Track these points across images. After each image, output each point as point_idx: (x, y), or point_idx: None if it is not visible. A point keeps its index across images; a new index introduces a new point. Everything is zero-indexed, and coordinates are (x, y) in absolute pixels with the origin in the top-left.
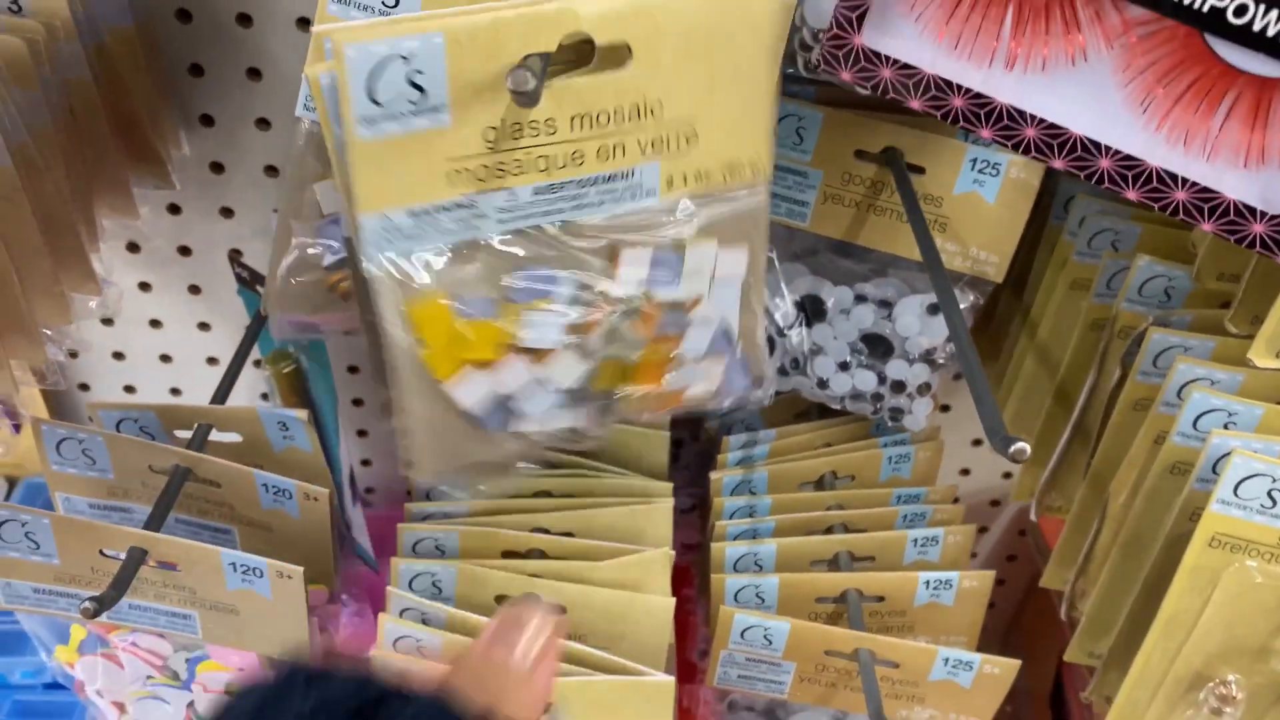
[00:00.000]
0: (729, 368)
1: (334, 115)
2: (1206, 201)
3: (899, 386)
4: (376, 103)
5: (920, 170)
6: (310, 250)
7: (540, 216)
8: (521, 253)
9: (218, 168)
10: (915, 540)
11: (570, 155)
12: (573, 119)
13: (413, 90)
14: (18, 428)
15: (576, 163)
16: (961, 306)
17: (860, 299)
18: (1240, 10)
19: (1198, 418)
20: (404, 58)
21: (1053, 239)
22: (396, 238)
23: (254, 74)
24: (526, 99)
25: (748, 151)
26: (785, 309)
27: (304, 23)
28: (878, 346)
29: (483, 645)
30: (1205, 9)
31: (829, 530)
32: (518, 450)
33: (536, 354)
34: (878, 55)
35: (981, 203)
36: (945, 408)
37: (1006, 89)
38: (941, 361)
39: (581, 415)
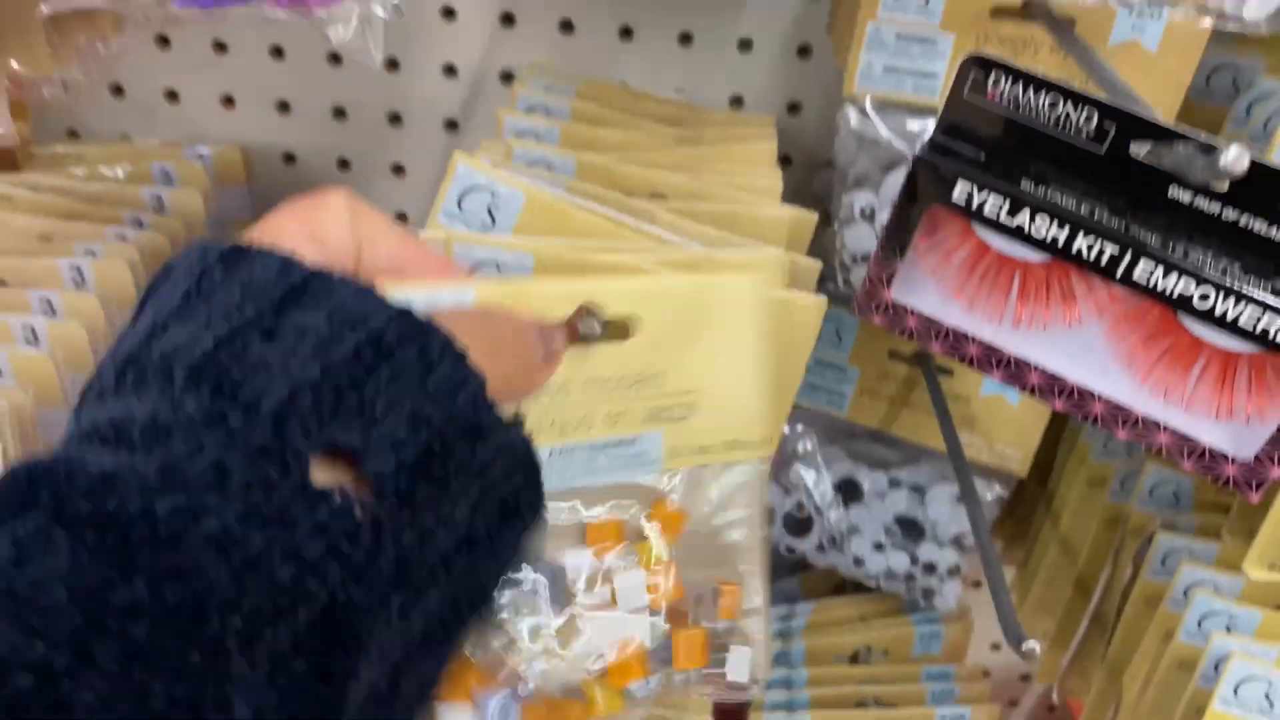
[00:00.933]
0: None
1: None
2: (1185, 444)
3: (930, 568)
4: None
5: (948, 372)
6: None
7: (553, 480)
8: None
9: None
10: (942, 717)
11: (581, 421)
12: (584, 385)
13: None
14: None
15: (586, 428)
16: (988, 498)
17: (894, 484)
18: (1204, 297)
19: (1201, 619)
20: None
21: (1073, 438)
22: None
23: None
24: (594, 339)
25: (749, 431)
26: (824, 490)
27: (401, 217)
28: (911, 529)
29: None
30: (1175, 295)
31: (861, 704)
32: None
33: None
34: (904, 308)
35: (1005, 404)
36: (977, 584)
37: (1013, 342)
38: (971, 545)
39: None
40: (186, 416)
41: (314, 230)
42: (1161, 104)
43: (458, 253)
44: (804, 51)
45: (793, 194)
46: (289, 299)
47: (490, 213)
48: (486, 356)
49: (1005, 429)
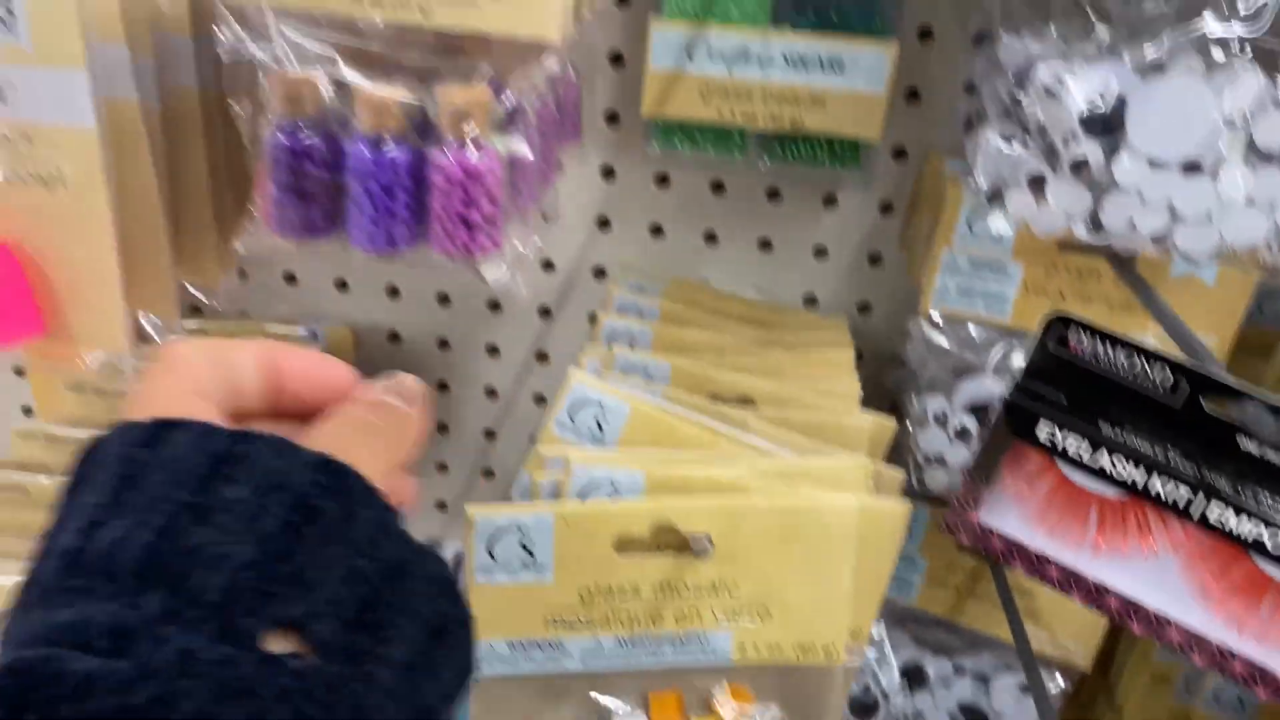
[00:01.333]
0: None
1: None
2: (1260, 673)
3: None
4: (493, 557)
5: None
6: None
7: (619, 662)
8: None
9: None
10: None
11: (650, 616)
12: (656, 587)
13: (524, 553)
14: None
15: (654, 623)
16: (1051, 690)
17: (959, 670)
18: (1274, 540)
19: None
20: (519, 528)
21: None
22: (495, 661)
23: (443, 429)
24: (705, 555)
25: (822, 635)
26: (890, 675)
27: (491, 393)
28: (974, 718)
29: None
30: (1250, 539)
31: None
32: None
33: None
34: (990, 531)
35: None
36: None
37: (1093, 568)
38: None
39: None
40: (142, 618)
41: (194, 386)
42: (1217, 332)
43: (577, 473)
44: (875, 260)
45: (865, 386)
46: (214, 473)
47: (599, 423)
48: (369, 450)
49: (1069, 623)
